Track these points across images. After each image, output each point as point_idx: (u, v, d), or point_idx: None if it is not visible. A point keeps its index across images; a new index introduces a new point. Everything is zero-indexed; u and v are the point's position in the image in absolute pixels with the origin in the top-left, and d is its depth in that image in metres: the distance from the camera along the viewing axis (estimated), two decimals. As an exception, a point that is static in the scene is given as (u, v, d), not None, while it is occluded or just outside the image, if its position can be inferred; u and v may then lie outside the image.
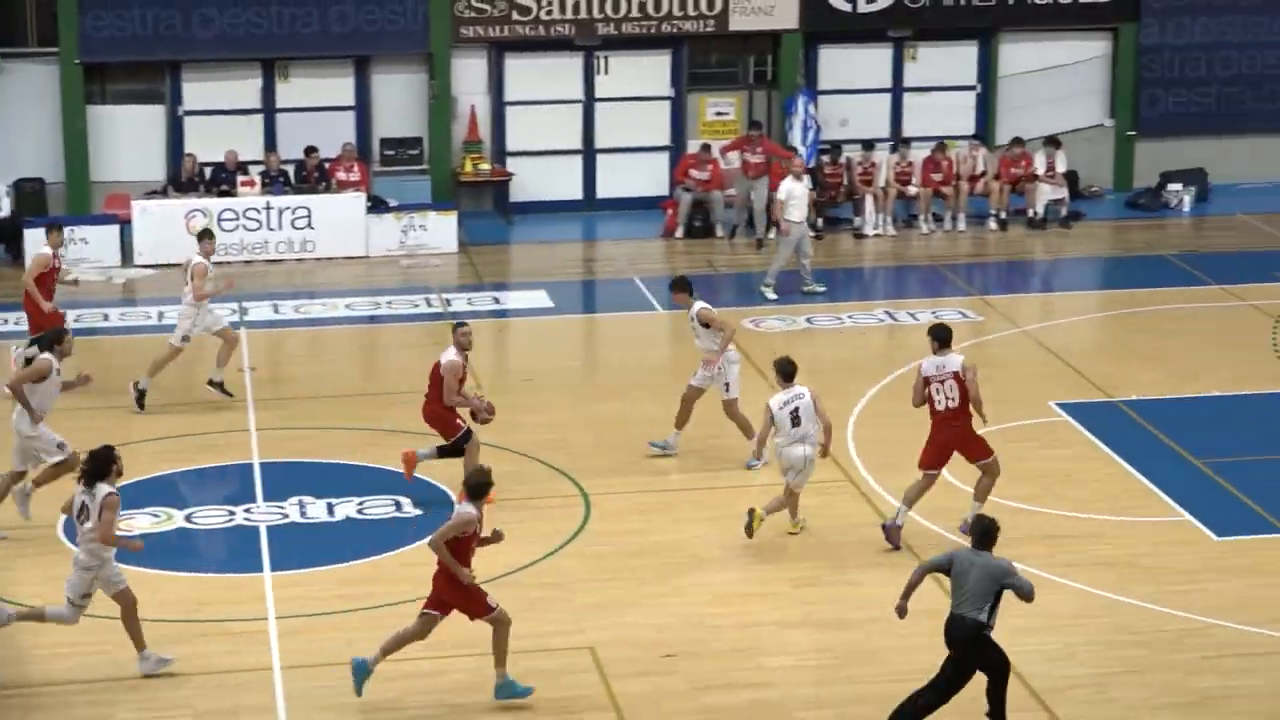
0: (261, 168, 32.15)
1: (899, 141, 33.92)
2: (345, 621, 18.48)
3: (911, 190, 33.25)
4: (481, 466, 17.79)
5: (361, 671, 16.86)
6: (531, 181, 33.94)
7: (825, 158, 33.44)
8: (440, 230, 31.91)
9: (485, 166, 33.55)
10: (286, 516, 21.12)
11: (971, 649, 15.90)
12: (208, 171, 31.91)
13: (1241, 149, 35.66)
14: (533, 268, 31.53)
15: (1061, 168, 33.70)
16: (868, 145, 33.10)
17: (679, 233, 32.79)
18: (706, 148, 32.98)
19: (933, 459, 20.27)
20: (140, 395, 24.22)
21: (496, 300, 29.72)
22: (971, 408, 20.17)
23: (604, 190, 34.33)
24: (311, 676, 17.37)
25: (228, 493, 21.87)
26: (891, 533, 20.23)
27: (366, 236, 31.70)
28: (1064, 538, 20.64)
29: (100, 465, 17.36)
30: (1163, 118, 35.41)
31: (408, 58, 33.45)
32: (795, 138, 33.35)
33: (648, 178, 34.19)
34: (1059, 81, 35.28)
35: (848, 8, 34.18)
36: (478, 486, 16.86)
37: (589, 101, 34.12)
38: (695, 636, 18.39)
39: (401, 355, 27.26)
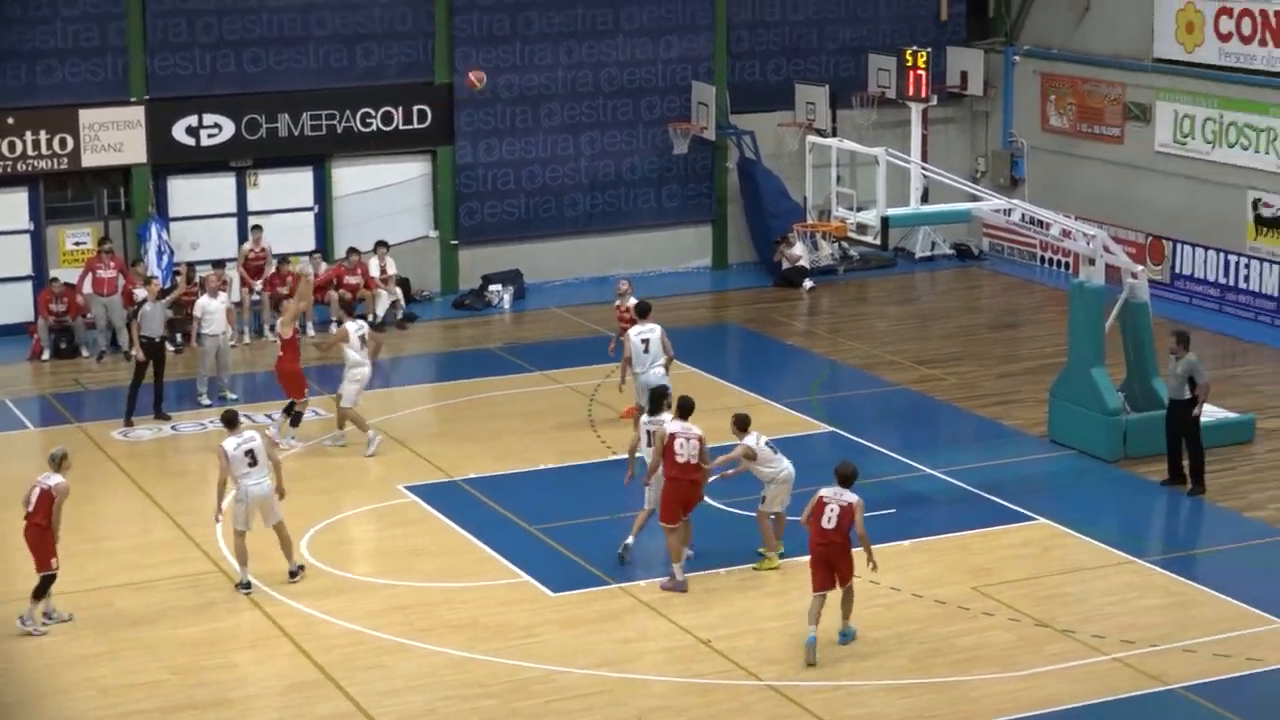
0: None
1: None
2: None
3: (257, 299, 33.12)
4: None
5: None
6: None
7: (179, 278, 32.86)
8: None
9: None
10: None
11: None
12: None
13: (550, 251, 36.61)
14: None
15: (393, 270, 33.92)
16: (218, 264, 32.66)
17: (45, 355, 31.76)
18: (55, 280, 32.05)
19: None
20: None
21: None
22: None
23: (-31, 319, 33.02)
24: None
25: None
26: None
27: None
28: (418, 606, 20.72)
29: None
30: (480, 227, 36.08)
31: None
32: (150, 261, 32.70)
33: (12, 306, 32.97)
34: (388, 199, 35.59)
35: (191, 142, 33.80)
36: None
37: (-49, 237, 32.80)
38: None
39: None
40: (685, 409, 21.44)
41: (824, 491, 19.57)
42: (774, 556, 21.66)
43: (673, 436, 21.01)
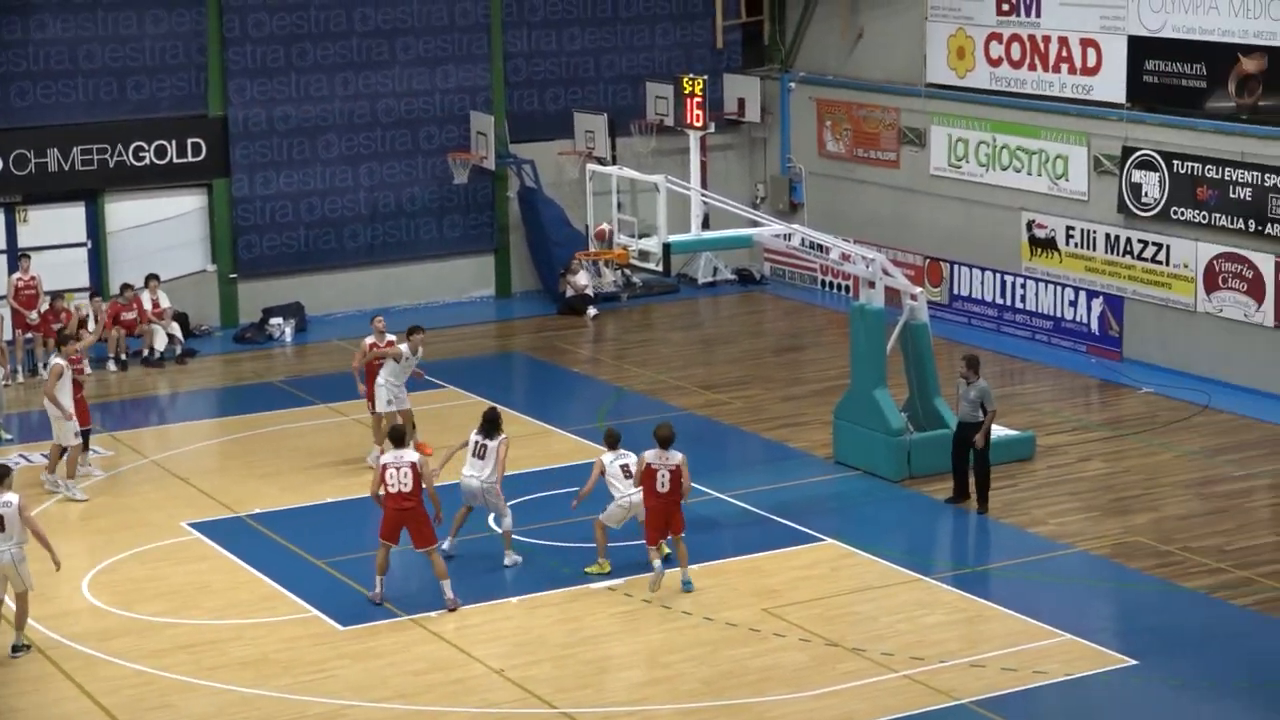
0: None
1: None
2: None
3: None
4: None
5: None
6: None
7: (-53, 317, 32.18)
8: None
9: None
10: None
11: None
12: None
13: (331, 283, 36.36)
14: None
15: (166, 303, 33.40)
16: (-12, 303, 32.07)
17: None
18: None
19: None
20: None
21: None
22: None
23: None
24: None
25: None
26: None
27: None
28: (205, 644, 20.42)
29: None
30: (259, 259, 35.73)
31: None
32: (-82, 301, 32.00)
33: None
34: (164, 233, 35.11)
35: (-41, 177, 33.23)
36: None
37: None
38: None
39: None
40: (397, 438, 21.53)
41: (649, 459, 21.17)
42: (605, 562, 22.05)
43: (384, 466, 21.11)
